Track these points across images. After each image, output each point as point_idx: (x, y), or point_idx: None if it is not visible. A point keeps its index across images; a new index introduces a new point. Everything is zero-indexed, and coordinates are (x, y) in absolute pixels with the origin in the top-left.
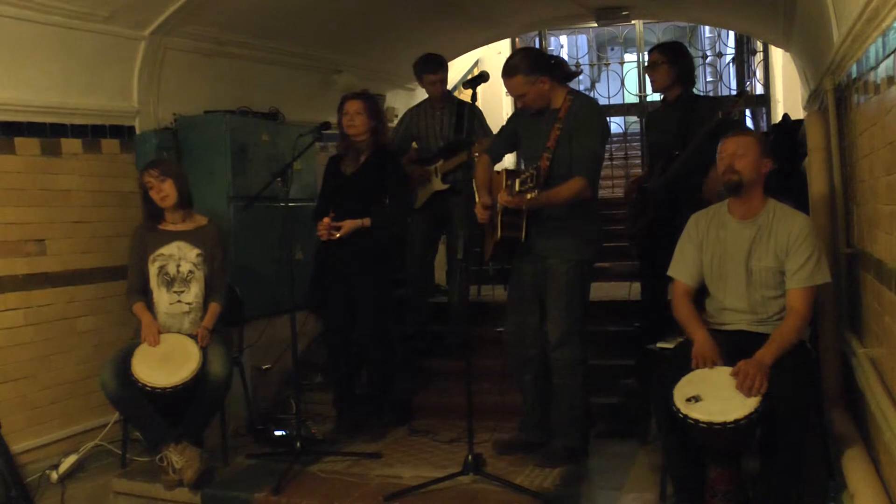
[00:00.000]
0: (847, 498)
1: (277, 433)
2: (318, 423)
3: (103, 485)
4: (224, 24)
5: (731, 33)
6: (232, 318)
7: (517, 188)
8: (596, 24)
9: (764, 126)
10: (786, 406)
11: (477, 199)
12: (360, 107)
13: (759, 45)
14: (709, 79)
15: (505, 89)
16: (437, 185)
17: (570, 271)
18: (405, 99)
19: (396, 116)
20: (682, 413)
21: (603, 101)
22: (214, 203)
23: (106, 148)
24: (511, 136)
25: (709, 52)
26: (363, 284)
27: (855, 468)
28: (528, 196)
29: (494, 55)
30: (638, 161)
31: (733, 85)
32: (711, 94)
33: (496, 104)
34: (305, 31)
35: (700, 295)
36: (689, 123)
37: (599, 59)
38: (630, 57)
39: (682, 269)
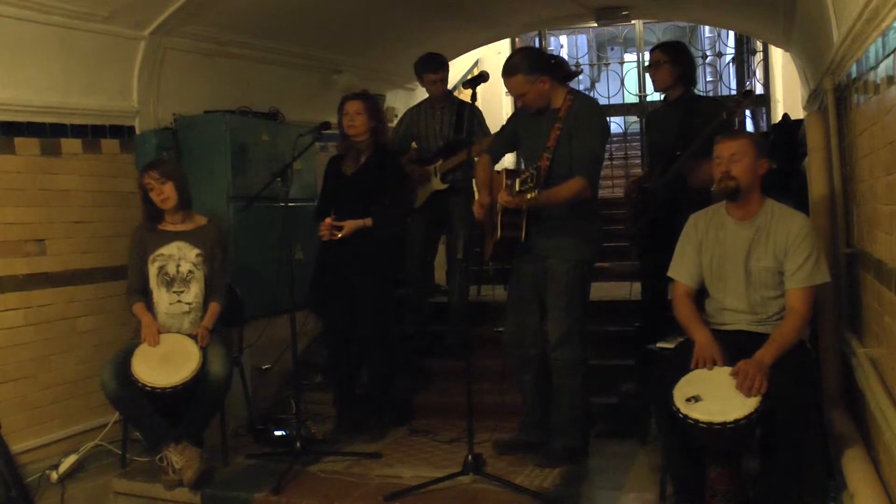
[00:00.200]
0: (847, 498)
1: (277, 433)
2: (318, 423)
3: (103, 485)
4: (224, 24)
5: (731, 33)
6: (232, 318)
7: (517, 188)
8: (596, 24)
9: (764, 126)
10: (786, 406)
11: (476, 198)
12: (361, 107)
13: (759, 45)
14: (708, 79)
15: (505, 89)
16: (437, 184)
17: (570, 271)
18: (405, 99)
19: (396, 116)
20: (681, 413)
21: (603, 101)
22: (214, 203)
23: (106, 148)
24: (511, 135)
25: (708, 52)
26: (364, 284)
27: (855, 468)
28: (529, 196)
29: (494, 55)
30: (638, 161)
31: (733, 85)
32: (711, 94)
33: (496, 104)
34: (305, 31)
35: (700, 295)
36: (690, 123)
37: (599, 58)
38: (630, 57)
39: (681, 270)
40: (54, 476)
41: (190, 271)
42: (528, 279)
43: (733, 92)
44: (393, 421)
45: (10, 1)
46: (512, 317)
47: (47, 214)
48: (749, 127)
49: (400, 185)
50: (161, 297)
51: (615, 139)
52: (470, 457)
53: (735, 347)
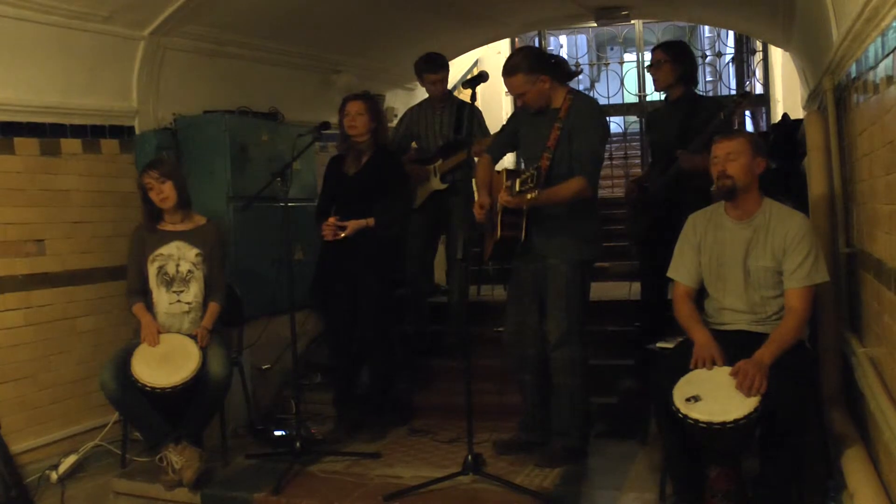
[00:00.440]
0: (847, 498)
1: (277, 433)
2: (318, 423)
3: (103, 485)
4: (224, 24)
5: (731, 33)
6: (232, 318)
7: (517, 188)
8: (595, 24)
9: (763, 125)
10: (785, 406)
11: (476, 199)
12: (362, 108)
13: (759, 45)
14: (708, 78)
15: (505, 89)
16: (436, 184)
17: (570, 271)
18: (405, 99)
19: (396, 116)
20: (681, 413)
21: (602, 101)
22: (214, 203)
23: (105, 148)
24: (511, 135)
25: (708, 52)
26: (366, 284)
27: (855, 468)
28: (529, 196)
29: (494, 55)
30: (638, 161)
31: (733, 85)
32: (711, 93)
33: (496, 104)
34: (305, 31)
35: (700, 295)
36: (690, 123)
37: (599, 58)
38: (630, 57)
39: (681, 270)
40: (54, 476)
41: (189, 271)
42: (528, 279)
43: (733, 92)
44: (393, 421)
45: (10, 1)
46: (512, 317)
47: (47, 214)
48: (749, 127)
49: (400, 185)
50: (160, 297)
51: (615, 139)
52: (470, 457)
53: (734, 347)
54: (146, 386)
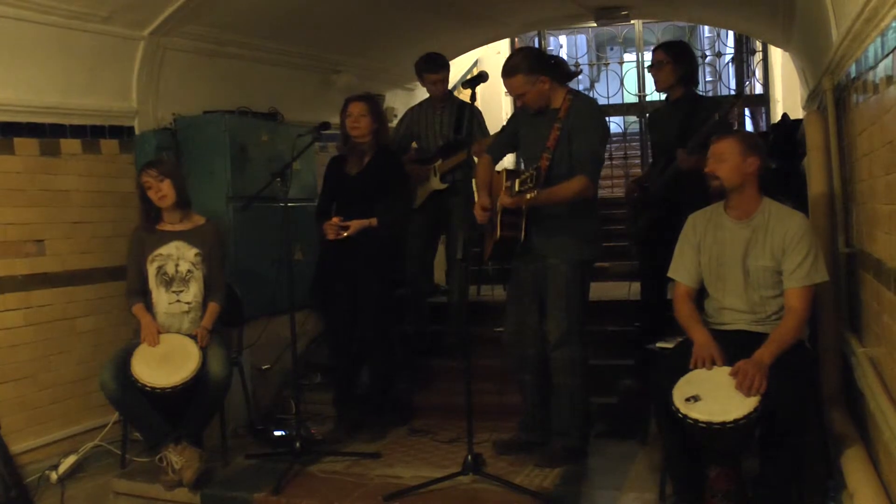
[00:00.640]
0: (846, 497)
1: (277, 433)
2: (318, 423)
3: (103, 485)
4: (223, 24)
5: (731, 33)
6: (231, 318)
7: (517, 188)
8: (595, 24)
9: (763, 125)
10: (785, 406)
11: (476, 199)
12: (364, 109)
13: (759, 45)
14: (708, 78)
15: (504, 89)
16: (436, 184)
17: (570, 271)
18: (405, 99)
19: (396, 116)
20: (681, 413)
21: (602, 101)
22: (214, 203)
23: (105, 148)
24: (511, 136)
25: (708, 52)
26: (366, 284)
27: (854, 468)
28: (528, 196)
29: (494, 55)
30: (637, 161)
31: (732, 85)
32: (710, 93)
33: (495, 104)
34: (305, 31)
35: (701, 295)
36: (690, 123)
37: (599, 58)
38: (629, 57)
39: (681, 270)
40: (54, 476)
41: (189, 271)
42: (528, 279)
43: (733, 92)
44: (393, 421)
45: (9, 1)
46: (512, 317)
47: (47, 215)
48: (749, 127)
49: (401, 185)
50: (160, 297)
51: (615, 139)
52: (470, 457)
53: (734, 347)
54: (146, 386)
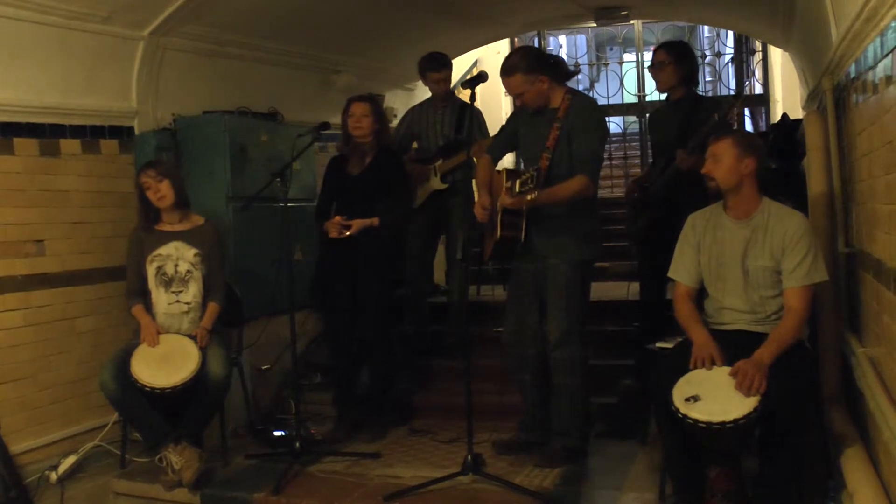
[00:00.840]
0: (846, 497)
1: (277, 433)
2: (317, 423)
3: (103, 485)
4: (223, 24)
5: (730, 33)
6: (231, 319)
7: (517, 189)
8: (595, 24)
9: (763, 125)
10: (785, 406)
11: (476, 199)
12: (367, 109)
13: (758, 45)
14: (708, 78)
15: (504, 89)
16: (436, 184)
17: (570, 271)
18: (405, 99)
19: (396, 116)
20: (681, 413)
21: (602, 101)
22: (213, 203)
23: (105, 148)
24: (510, 135)
25: (708, 52)
26: (367, 284)
27: (854, 468)
28: (529, 197)
29: (493, 55)
30: (637, 161)
31: (732, 85)
32: (710, 93)
33: (495, 104)
34: (305, 31)
35: (701, 295)
36: (690, 123)
37: (598, 58)
38: (629, 57)
39: (681, 270)
40: (54, 477)
41: (188, 271)
42: (528, 279)
43: (732, 92)
44: (393, 421)
45: (9, 1)
46: (512, 316)
47: (46, 215)
48: (748, 127)
49: (402, 185)
50: (160, 297)
51: (614, 139)
52: (469, 457)
53: (734, 347)
54: (146, 386)
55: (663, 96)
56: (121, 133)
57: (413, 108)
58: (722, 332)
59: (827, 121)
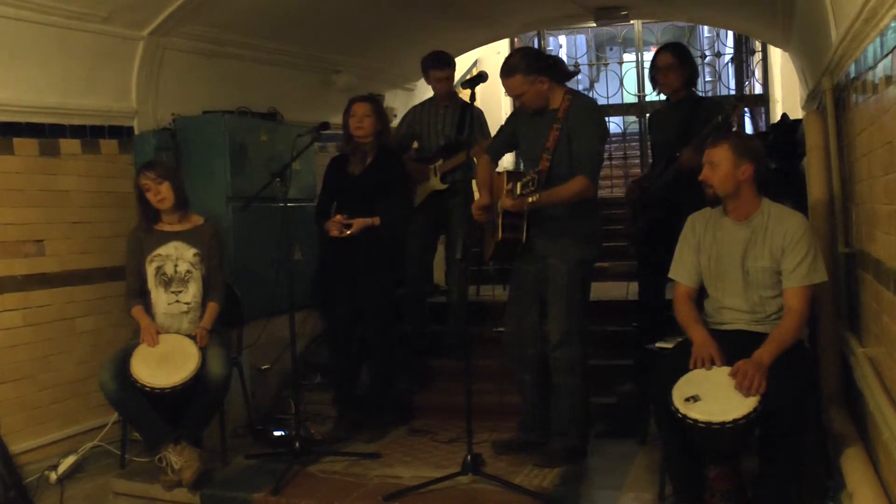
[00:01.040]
0: (846, 497)
1: (276, 433)
2: (317, 423)
3: (102, 485)
4: (223, 24)
5: (730, 33)
6: (231, 319)
7: (518, 191)
8: (595, 24)
9: (763, 126)
10: (785, 406)
11: (475, 200)
12: (369, 109)
13: (758, 45)
14: (707, 79)
15: (504, 89)
16: (436, 184)
17: (570, 271)
18: (405, 99)
19: (395, 116)
20: (680, 413)
21: (602, 101)
22: (213, 203)
23: (104, 148)
24: (510, 136)
25: (707, 52)
26: (368, 284)
27: (854, 468)
28: (530, 199)
29: (493, 55)
30: (637, 161)
31: (732, 85)
32: (710, 93)
33: (495, 104)
34: (305, 31)
35: (701, 295)
36: (691, 124)
37: (598, 59)
38: (629, 57)
39: (681, 271)
40: (53, 477)
41: (188, 271)
42: (529, 279)
43: (732, 92)
44: (393, 421)
45: (9, 1)
46: (512, 317)
47: (46, 215)
48: (748, 127)
49: (403, 185)
50: (159, 298)
51: (614, 139)
52: (469, 457)
53: (734, 347)
54: (146, 386)
55: (663, 96)
56: (120, 133)
57: (415, 108)
58: (722, 332)
59: (827, 121)
